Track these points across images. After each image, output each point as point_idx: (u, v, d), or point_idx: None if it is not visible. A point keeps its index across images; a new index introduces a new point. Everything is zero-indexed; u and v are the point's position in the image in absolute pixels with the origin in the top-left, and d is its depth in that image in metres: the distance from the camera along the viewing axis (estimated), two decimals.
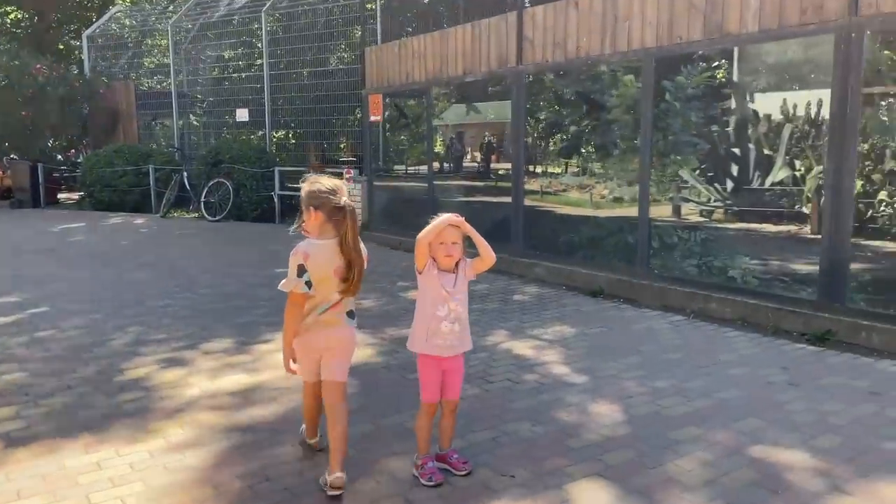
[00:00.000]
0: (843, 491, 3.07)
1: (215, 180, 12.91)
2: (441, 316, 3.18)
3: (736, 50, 9.47)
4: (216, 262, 8.79)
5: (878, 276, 6.63)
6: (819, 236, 9.18)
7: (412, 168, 12.60)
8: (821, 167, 9.58)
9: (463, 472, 3.26)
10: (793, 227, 9.62)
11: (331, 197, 3.04)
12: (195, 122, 16.80)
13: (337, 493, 3.07)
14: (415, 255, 3.26)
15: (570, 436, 3.64)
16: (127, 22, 17.87)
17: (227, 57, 16.04)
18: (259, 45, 14.64)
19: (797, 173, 9.97)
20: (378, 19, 11.33)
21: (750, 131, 10.54)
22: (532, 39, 7.48)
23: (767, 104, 10.64)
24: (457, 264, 3.21)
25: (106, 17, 17.54)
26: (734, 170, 10.54)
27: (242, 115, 14.56)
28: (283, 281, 3.08)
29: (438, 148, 12.48)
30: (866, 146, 9.33)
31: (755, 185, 10.40)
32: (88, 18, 21.84)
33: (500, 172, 12.17)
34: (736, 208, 10.18)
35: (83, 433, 3.76)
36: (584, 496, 3.05)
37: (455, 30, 8.65)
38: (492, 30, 8.03)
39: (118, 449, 3.58)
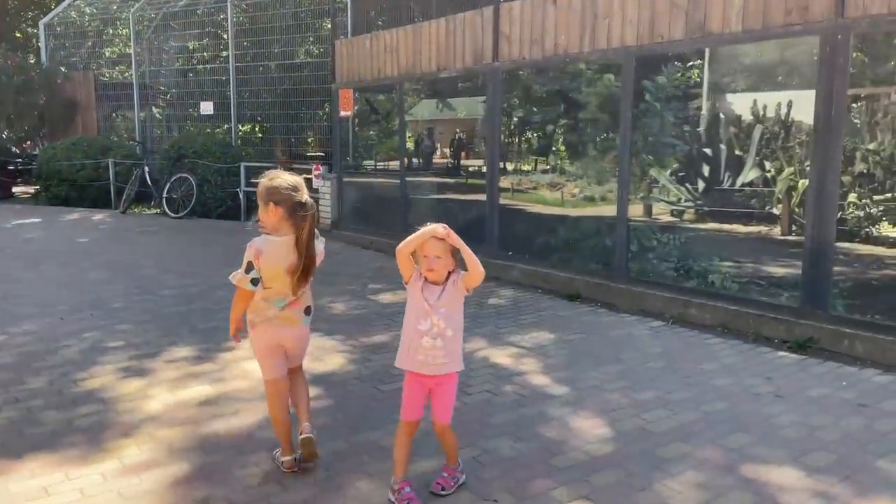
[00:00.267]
0: None
1: (178, 175, 12.49)
2: (422, 330, 2.98)
3: (707, 50, 9.40)
4: (179, 261, 8.45)
5: (858, 282, 6.57)
6: (789, 237, 9.20)
7: (381, 164, 12.31)
8: (792, 169, 9.60)
9: (439, 491, 3.07)
10: (763, 228, 9.60)
11: (292, 194, 3.02)
12: (157, 115, 16.29)
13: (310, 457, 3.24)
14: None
15: (554, 454, 3.46)
16: (87, 10, 17.24)
17: (191, 48, 15.57)
18: (225, 36, 14.22)
19: (768, 174, 9.96)
20: (349, 12, 11.03)
21: (721, 132, 10.50)
22: (509, 35, 7.29)
23: (738, 105, 10.61)
24: (448, 277, 2.98)
25: (64, 4, 16.89)
26: (705, 170, 10.50)
27: (207, 108, 14.13)
28: (234, 272, 3.10)
29: (408, 144, 12.21)
30: None
31: (726, 185, 10.37)
32: (47, 5, 21.07)
33: (470, 169, 11.95)
34: (707, 209, 10.13)
35: (30, 453, 3.48)
36: None
37: (429, 24, 8.42)
38: (467, 24, 7.82)
39: (68, 471, 3.31)
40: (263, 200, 3.07)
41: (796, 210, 9.28)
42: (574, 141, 7.93)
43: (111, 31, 17.46)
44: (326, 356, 5.02)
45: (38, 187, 14.85)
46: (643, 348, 5.19)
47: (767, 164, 9.83)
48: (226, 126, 14.38)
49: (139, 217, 12.82)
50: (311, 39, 14.22)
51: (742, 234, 9.20)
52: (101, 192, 13.80)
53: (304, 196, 3.06)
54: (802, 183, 9.35)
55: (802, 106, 9.64)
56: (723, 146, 10.50)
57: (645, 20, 6.03)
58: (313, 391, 4.33)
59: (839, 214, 9.11)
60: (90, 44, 16.94)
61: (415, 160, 12.79)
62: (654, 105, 6.61)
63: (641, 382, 4.46)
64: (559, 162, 8.06)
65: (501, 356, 4.99)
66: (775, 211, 9.68)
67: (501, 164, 8.53)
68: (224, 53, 14.46)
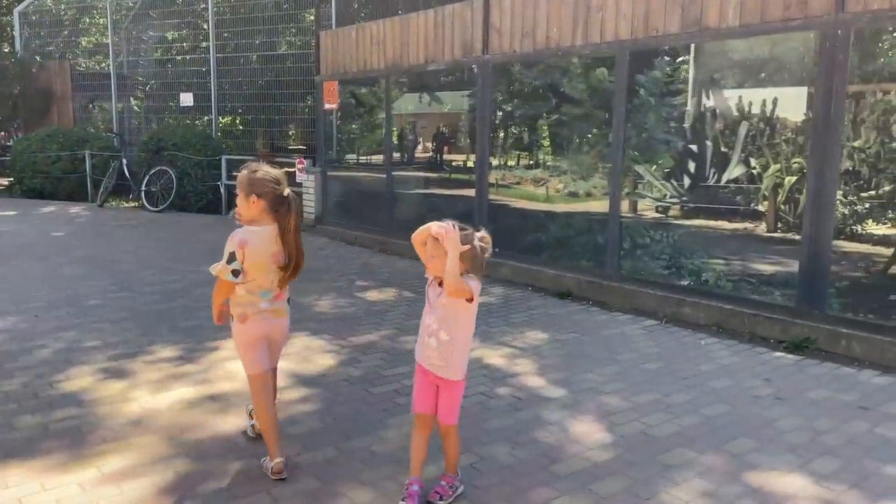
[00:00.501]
0: None
1: (157, 168, 12.22)
2: (426, 324, 2.94)
3: (693, 46, 9.33)
4: (158, 256, 8.22)
5: (854, 281, 6.53)
6: (785, 235, 9.16)
7: (363, 158, 12.13)
8: (778, 166, 9.57)
9: (437, 500, 2.94)
10: (749, 225, 9.57)
11: (275, 186, 3.01)
12: (135, 107, 15.94)
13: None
14: None
15: (553, 460, 3.34)
16: None
17: (170, 38, 15.24)
18: (205, 26, 13.93)
19: (754, 171, 9.93)
20: (332, 2, 10.81)
21: (707, 128, 10.46)
22: (499, 27, 7.15)
23: (724, 101, 10.56)
24: None
25: None
26: (691, 166, 10.45)
27: (187, 99, 13.84)
28: (215, 263, 3.06)
29: (385, 139, 12.05)
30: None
31: (711, 182, 10.33)
32: None
33: (454, 164, 11.81)
34: (692, 205, 10.09)
35: (4, 461, 3.30)
36: None
37: (416, 15, 8.25)
38: (456, 16, 7.66)
39: (44, 481, 3.13)
40: (245, 192, 3.02)
41: (782, 207, 9.27)
42: (565, 136, 7.83)
43: (88, 20, 17.05)
44: (314, 357, 4.86)
45: (12, 179, 14.48)
46: (638, 348, 5.09)
47: (753, 161, 9.81)
48: (206, 118, 14.10)
49: (117, 210, 12.53)
50: (294, 30, 13.97)
51: (729, 230, 9.18)
52: (78, 184, 13.47)
53: (287, 190, 3.04)
54: (789, 180, 9.34)
55: (790, 103, 9.64)
56: (709, 142, 10.47)
57: (640, 13, 5.92)
58: (301, 393, 4.19)
59: None
60: (66, 33, 16.53)
61: (397, 154, 12.62)
62: (648, 100, 6.50)
63: (639, 384, 4.35)
64: (548, 157, 7.94)
65: (494, 357, 4.87)
66: (760, 208, 9.66)
67: (491, 160, 8.43)
68: (204, 44, 14.16)
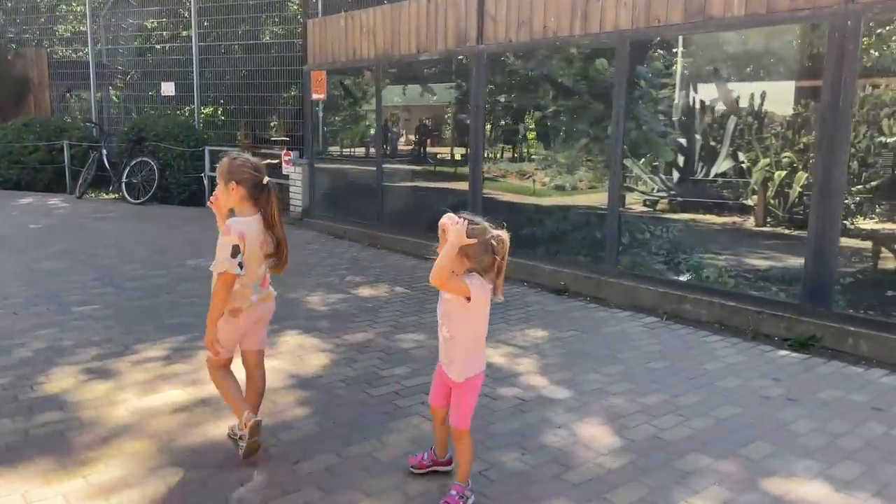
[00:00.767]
0: None
1: (138, 159, 11.91)
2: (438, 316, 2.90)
3: (680, 38, 9.22)
4: (141, 250, 7.97)
5: (860, 278, 6.45)
6: (764, 229, 9.09)
7: (351, 150, 11.91)
8: (767, 160, 9.50)
9: None
10: (750, 220, 9.51)
11: (255, 173, 3.01)
12: (114, 97, 15.55)
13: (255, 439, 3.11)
14: None
15: (566, 467, 3.20)
16: None
17: (150, 26, 14.88)
18: (186, 14, 13.60)
19: (743, 165, 9.86)
20: None
21: (697, 122, 10.37)
22: (494, 16, 6.97)
23: (712, 94, 10.48)
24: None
25: None
26: (679, 160, 10.36)
27: (168, 88, 13.52)
28: (215, 262, 2.98)
29: (374, 131, 11.83)
30: (807, 138, 9.29)
31: (700, 175, 10.26)
32: None
33: (440, 157, 11.63)
34: (680, 199, 10.01)
35: None
36: None
37: (408, 3, 8.04)
38: (449, 4, 7.47)
39: (26, 492, 2.93)
40: (224, 179, 3.02)
41: (771, 201, 9.21)
42: (562, 128, 7.68)
43: (65, 7, 16.62)
44: (308, 356, 4.68)
45: None
46: (640, 347, 4.97)
47: (743, 155, 9.73)
48: (187, 108, 13.79)
49: (97, 202, 12.21)
50: (277, 19, 13.68)
51: (730, 226, 9.09)
52: (56, 175, 13.13)
53: (265, 177, 3.05)
54: (778, 174, 9.27)
55: (787, 96, 9.54)
56: (697, 136, 10.38)
57: (641, 2, 5.77)
58: (296, 395, 4.01)
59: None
60: (42, 20, 16.10)
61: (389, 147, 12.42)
62: (649, 92, 6.37)
63: (645, 385, 4.22)
64: (543, 150, 7.79)
65: (495, 356, 4.71)
66: (750, 202, 9.60)
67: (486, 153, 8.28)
68: (184, 33, 13.84)
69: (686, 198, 9.80)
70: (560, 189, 7.65)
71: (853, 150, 8.83)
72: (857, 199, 8.64)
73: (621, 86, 5.99)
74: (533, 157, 7.94)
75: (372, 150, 9.82)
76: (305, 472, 3.14)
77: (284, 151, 10.28)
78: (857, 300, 5.26)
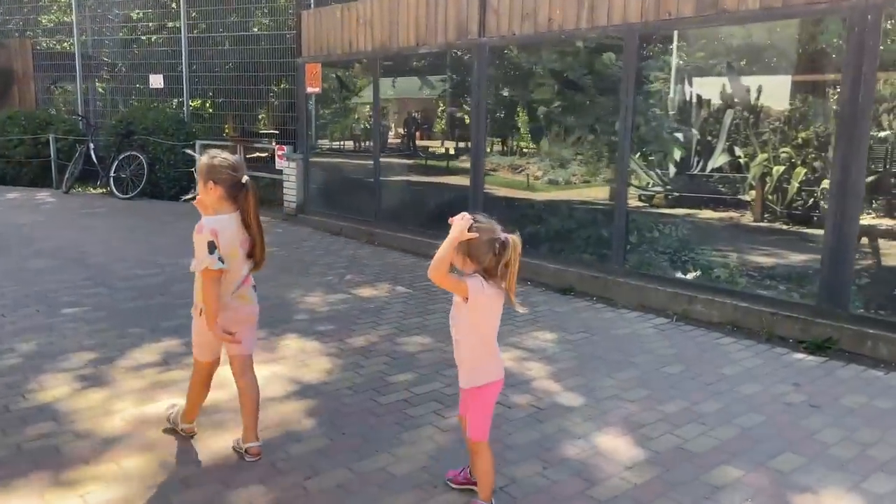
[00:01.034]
0: None
1: (127, 153, 11.63)
2: None
3: (675, 33, 9.09)
4: (132, 248, 7.75)
5: (879, 278, 6.33)
6: (761, 224, 8.98)
7: (348, 145, 11.71)
8: (765, 155, 9.39)
9: None
10: (734, 214, 9.41)
11: (232, 173, 3.01)
12: (100, 89, 15.21)
13: (256, 458, 3.16)
14: None
15: (590, 482, 3.05)
16: None
17: (135, 17, 14.54)
18: (174, 5, 13.31)
19: (741, 160, 9.75)
20: None
21: (693, 116, 10.25)
22: (497, 8, 6.79)
23: (708, 89, 10.37)
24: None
25: None
26: (676, 154, 10.25)
27: (157, 81, 13.22)
28: (194, 262, 3.00)
29: (363, 125, 11.64)
30: (805, 134, 9.21)
31: (696, 170, 10.15)
32: None
33: (438, 152, 11.46)
34: (676, 194, 9.90)
35: None
36: None
37: None
38: None
39: None
40: (203, 178, 3.03)
41: (770, 197, 9.10)
42: (566, 123, 7.52)
43: None
44: (311, 361, 4.51)
45: None
46: (653, 350, 4.83)
47: (741, 150, 9.62)
48: (175, 101, 13.50)
49: (84, 197, 11.93)
50: (266, 10, 13.41)
51: (715, 220, 8.98)
52: (42, 169, 12.80)
53: (244, 176, 3.04)
54: (777, 169, 9.16)
55: (793, 91, 9.40)
56: (694, 131, 10.26)
57: None
58: (302, 404, 3.84)
59: (811, 201, 8.96)
60: (26, 10, 15.73)
61: (369, 143, 12.29)
62: (656, 86, 6.22)
63: (663, 391, 4.09)
64: (548, 146, 7.63)
65: (505, 360, 4.51)
66: (747, 197, 9.50)
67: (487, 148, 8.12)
68: (170, 24, 13.55)
69: (682, 193, 9.68)
70: (563, 185, 7.51)
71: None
72: (879, 196, 8.54)
73: (629, 80, 5.84)
74: (536, 152, 7.77)
75: (369, 144, 9.62)
76: (317, 489, 2.98)
77: (278, 147, 10.06)
78: (875, 301, 5.15)
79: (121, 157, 11.66)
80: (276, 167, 10.13)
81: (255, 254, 3.12)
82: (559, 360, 4.57)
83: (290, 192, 9.86)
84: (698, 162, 10.35)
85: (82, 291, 5.99)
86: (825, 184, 8.81)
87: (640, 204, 8.52)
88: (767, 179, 9.01)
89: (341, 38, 8.79)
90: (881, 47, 4.60)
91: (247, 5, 12.84)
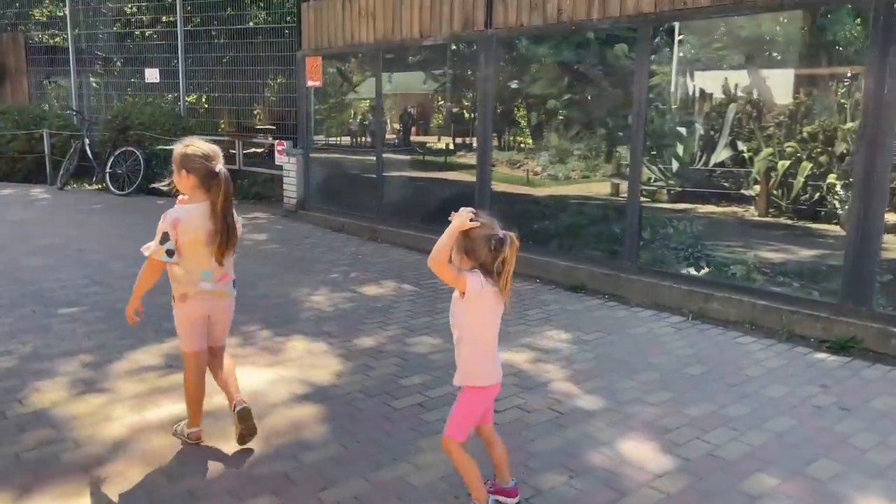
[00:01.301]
0: None
1: (123, 149, 11.43)
2: None
3: (677, 24, 8.93)
4: (131, 245, 7.53)
5: None
6: (755, 219, 8.82)
7: (344, 140, 11.52)
8: (771, 149, 9.25)
9: None
10: (735, 210, 9.27)
11: (205, 162, 2.99)
12: (94, 83, 14.97)
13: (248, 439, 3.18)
14: None
15: (621, 493, 2.90)
16: None
17: (128, 11, 14.30)
18: None
19: (746, 155, 9.62)
20: None
21: (696, 110, 10.10)
22: None
23: (709, 83, 10.22)
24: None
25: None
26: (679, 149, 10.10)
27: (152, 75, 13.01)
28: (148, 244, 3.04)
29: (365, 119, 11.45)
30: (811, 128, 9.07)
31: (699, 165, 10.00)
32: None
33: (434, 145, 11.26)
34: (679, 188, 9.76)
35: None
36: None
37: None
38: None
39: None
40: (177, 167, 3.03)
41: (774, 192, 8.95)
42: (577, 117, 7.34)
43: None
44: (319, 364, 4.34)
45: None
46: (672, 350, 4.68)
47: (745, 144, 9.47)
48: (171, 96, 13.29)
49: (80, 193, 11.73)
50: (263, 4, 13.19)
51: (738, 216, 8.81)
52: (36, 165, 12.60)
53: (218, 165, 3.01)
54: (782, 164, 9.02)
55: (799, 84, 9.25)
56: (698, 125, 10.10)
57: None
58: (312, 409, 3.68)
59: (816, 196, 8.82)
60: (18, 4, 15.48)
61: (367, 138, 12.14)
62: (669, 79, 6.07)
63: (687, 393, 3.94)
64: (558, 140, 7.46)
65: (520, 361, 4.41)
66: (751, 192, 9.35)
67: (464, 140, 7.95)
68: (164, 18, 13.34)
69: (685, 188, 9.53)
70: (572, 180, 7.35)
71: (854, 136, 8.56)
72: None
73: (643, 72, 5.68)
74: (544, 147, 7.60)
75: (370, 138, 9.44)
76: (332, 500, 2.82)
77: (278, 142, 9.88)
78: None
79: (117, 152, 11.47)
80: (276, 163, 9.95)
81: (220, 242, 3.04)
82: (576, 362, 4.42)
83: (291, 188, 9.69)
84: (701, 156, 10.21)
85: (80, 290, 5.82)
86: (831, 178, 8.70)
87: (646, 199, 8.35)
88: (772, 174, 8.87)
89: (343, 30, 8.61)
90: None
91: None
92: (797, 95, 9.54)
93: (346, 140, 11.59)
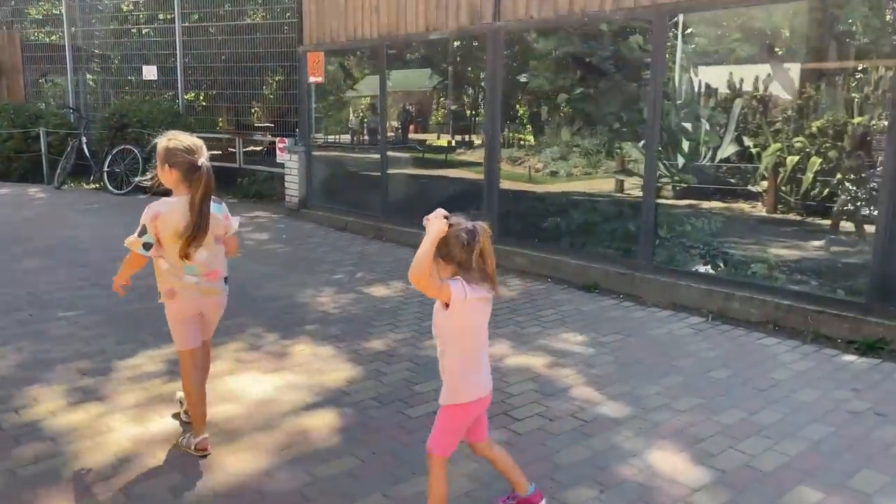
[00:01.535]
0: None
1: (121, 147, 11.23)
2: None
3: (681, 17, 8.75)
4: None
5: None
6: (773, 216, 8.65)
7: (345, 137, 11.33)
8: (779, 145, 9.07)
9: None
10: (745, 206, 9.10)
11: (187, 156, 2.97)
12: (91, 82, 14.75)
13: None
14: None
15: None
16: None
17: (124, 9, 14.08)
18: None
19: (754, 150, 9.45)
20: None
21: (702, 105, 9.93)
22: None
23: (713, 77, 10.04)
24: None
25: None
26: (685, 145, 9.93)
27: (150, 72, 12.80)
28: (129, 236, 3.04)
29: (354, 117, 11.27)
30: (819, 123, 8.90)
31: (705, 161, 9.84)
32: None
33: (427, 143, 11.07)
34: (684, 185, 9.59)
35: None
36: None
37: None
38: None
39: None
40: (160, 162, 3.02)
41: (783, 188, 8.77)
42: (587, 112, 7.15)
43: None
44: (328, 369, 4.17)
45: None
46: (694, 352, 4.51)
47: (751, 140, 9.29)
48: (170, 93, 13.08)
49: (77, 193, 11.52)
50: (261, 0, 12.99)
51: (723, 209, 8.62)
52: (32, 164, 12.39)
53: (200, 159, 2.97)
54: (791, 159, 8.84)
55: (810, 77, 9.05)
56: (703, 120, 9.91)
57: None
58: (324, 418, 3.51)
59: (826, 191, 8.64)
60: (13, 2, 15.26)
61: (366, 136, 11.96)
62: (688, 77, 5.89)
63: (714, 399, 3.76)
64: (568, 136, 7.27)
65: (538, 365, 4.23)
66: (759, 188, 9.17)
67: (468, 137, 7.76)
68: (161, 16, 13.13)
69: (690, 184, 9.35)
70: (582, 176, 7.17)
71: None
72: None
73: (659, 65, 5.51)
74: (554, 142, 7.41)
75: (374, 135, 9.25)
76: None
77: (279, 139, 9.69)
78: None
79: (114, 151, 11.27)
80: (277, 160, 9.76)
81: (189, 235, 2.96)
82: (596, 365, 4.25)
83: (293, 187, 9.50)
84: (707, 152, 10.03)
85: (78, 293, 5.63)
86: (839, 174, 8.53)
87: (633, 193, 8.16)
88: (780, 169, 8.70)
89: (345, 24, 8.42)
90: None
91: None
92: (809, 89, 9.36)
93: (348, 138, 11.40)
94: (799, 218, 8.26)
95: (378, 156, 8.39)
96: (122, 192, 11.05)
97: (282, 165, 9.70)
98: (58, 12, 14.18)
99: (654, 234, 5.76)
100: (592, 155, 7.18)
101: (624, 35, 6.45)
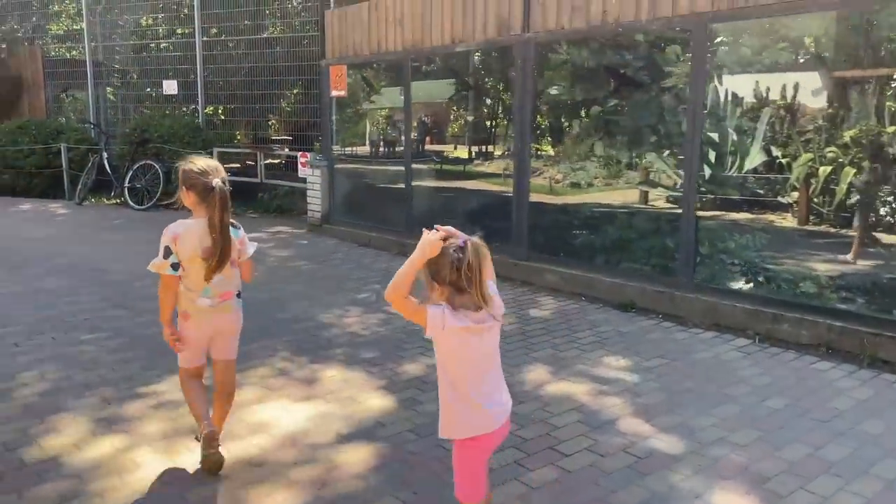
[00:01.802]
0: None
1: (142, 162, 11.16)
2: None
3: (707, 26, 8.53)
4: None
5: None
6: (806, 228, 8.37)
7: (369, 151, 11.22)
8: (810, 155, 8.81)
9: None
10: (775, 218, 8.85)
11: (201, 178, 3.02)
12: (111, 97, 14.75)
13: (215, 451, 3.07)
14: None
15: None
16: None
17: (144, 24, 14.07)
18: (186, 10, 12.85)
19: (784, 161, 9.20)
20: None
21: (728, 115, 9.70)
22: (543, 1, 6.26)
23: (740, 87, 9.82)
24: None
25: None
26: (710, 155, 9.70)
27: (171, 87, 12.76)
28: (153, 261, 3.03)
29: (373, 128, 11.16)
30: (852, 133, 8.66)
31: (731, 171, 9.60)
32: None
33: (445, 155, 10.93)
34: (710, 196, 9.35)
35: None
36: None
37: None
38: None
39: None
40: (180, 184, 3.09)
41: (815, 200, 8.49)
42: (621, 125, 6.96)
43: (56, 6, 15.84)
44: (360, 396, 3.98)
45: None
46: (746, 378, 4.27)
47: (781, 150, 9.03)
48: (191, 108, 13.03)
49: (98, 209, 11.46)
50: (279, 13, 12.92)
51: (750, 221, 8.36)
52: (54, 180, 12.36)
53: (215, 180, 2.99)
54: (823, 170, 8.57)
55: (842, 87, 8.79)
56: (731, 130, 9.67)
57: None
58: (358, 452, 3.31)
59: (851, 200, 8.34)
60: (34, 18, 15.33)
61: (383, 148, 11.84)
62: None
63: (774, 433, 3.53)
64: (601, 149, 7.08)
65: (580, 393, 4.02)
66: (789, 199, 8.91)
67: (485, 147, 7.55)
68: (179, 31, 13.10)
69: (717, 195, 9.11)
70: (618, 189, 6.97)
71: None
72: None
73: (699, 76, 5.29)
74: (588, 156, 7.23)
75: (398, 148, 9.10)
76: None
77: (301, 153, 9.56)
78: None
79: (135, 166, 11.21)
80: (299, 175, 9.64)
81: (212, 259, 2.99)
82: (643, 393, 4.03)
83: (315, 202, 9.35)
84: (735, 162, 9.78)
85: (102, 314, 5.49)
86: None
87: (658, 204, 7.93)
88: (812, 181, 8.45)
89: (369, 37, 8.28)
90: None
91: (260, 7, 12.36)
92: (841, 98, 9.09)
93: (367, 149, 11.29)
94: (833, 230, 8.00)
95: (402, 168, 8.22)
96: (144, 207, 10.97)
97: (303, 180, 9.57)
98: (79, 28, 14.22)
99: (695, 250, 5.54)
100: (628, 169, 7.00)
101: (658, 45, 6.26)
